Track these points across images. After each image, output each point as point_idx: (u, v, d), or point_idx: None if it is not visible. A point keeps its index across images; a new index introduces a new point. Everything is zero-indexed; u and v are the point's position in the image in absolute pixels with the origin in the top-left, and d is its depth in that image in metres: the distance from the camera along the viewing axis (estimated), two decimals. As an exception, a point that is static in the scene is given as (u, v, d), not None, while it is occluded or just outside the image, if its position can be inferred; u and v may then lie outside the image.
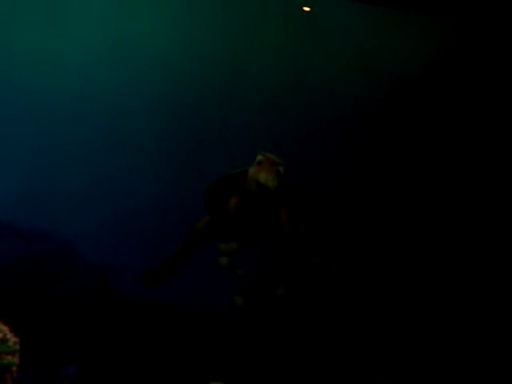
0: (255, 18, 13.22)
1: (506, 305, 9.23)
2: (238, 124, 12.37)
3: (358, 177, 12.02)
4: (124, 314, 11.67)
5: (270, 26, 13.15)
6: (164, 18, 13.46)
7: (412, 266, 10.91)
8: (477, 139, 11.56)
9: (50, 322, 10.80)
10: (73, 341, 10.68)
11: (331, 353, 10.51)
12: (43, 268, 11.70)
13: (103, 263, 12.02)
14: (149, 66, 13.54)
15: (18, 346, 7.28)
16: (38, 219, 12.06)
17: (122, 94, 13.47)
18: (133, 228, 11.92)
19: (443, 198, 11.51)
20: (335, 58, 12.76)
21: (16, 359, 7.20)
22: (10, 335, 7.29)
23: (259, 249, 6.26)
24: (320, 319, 10.77)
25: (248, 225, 5.71)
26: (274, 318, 11.06)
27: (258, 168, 5.33)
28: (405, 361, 9.49)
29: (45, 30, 13.64)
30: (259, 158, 5.40)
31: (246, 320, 11.19)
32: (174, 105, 13.42)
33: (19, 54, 13.47)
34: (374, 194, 11.88)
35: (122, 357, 11.04)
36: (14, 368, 7.15)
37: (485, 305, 9.28)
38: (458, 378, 8.20)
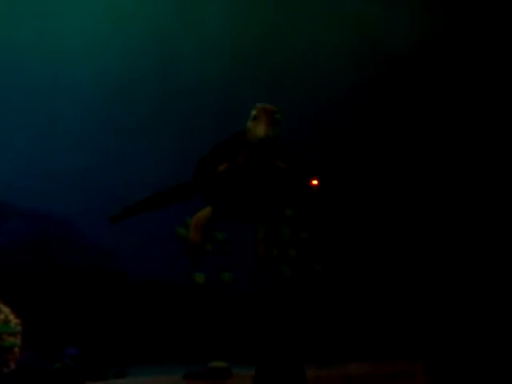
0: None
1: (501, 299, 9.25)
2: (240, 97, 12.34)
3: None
4: (125, 292, 11.70)
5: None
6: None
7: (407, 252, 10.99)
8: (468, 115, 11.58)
9: (51, 303, 10.83)
10: (75, 321, 10.72)
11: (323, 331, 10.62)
12: (44, 248, 11.71)
13: (103, 242, 12.03)
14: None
15: (19, 327, 7.34)
16: (38, 200, 12.06)
17: (122, 79, 13.46)
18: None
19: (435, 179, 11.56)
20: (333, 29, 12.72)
21: (18, 340, 7.26)
22: (11, 316, 7.35)
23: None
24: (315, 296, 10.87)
25: (249, 190, 5.55)
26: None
27: (255, 122, 5.18)
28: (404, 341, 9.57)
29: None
30: (254, 112, 5.25)
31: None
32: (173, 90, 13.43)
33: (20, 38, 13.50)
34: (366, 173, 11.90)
35: (124, 336, 11.09)
36: (17, 349, 7.22)
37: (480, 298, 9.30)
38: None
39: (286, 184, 5.45)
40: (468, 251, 10.68)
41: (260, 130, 5.07)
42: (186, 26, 13.42)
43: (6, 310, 7.35)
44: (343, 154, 12.08)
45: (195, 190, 5.61)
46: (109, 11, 13.69)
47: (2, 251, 11.22)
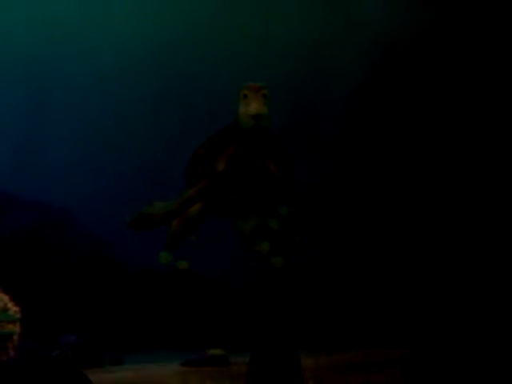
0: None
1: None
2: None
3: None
4: (123, 280, 11.75)
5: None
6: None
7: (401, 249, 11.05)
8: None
9: (50, 291, 10.89)
10: (73, 309, 10.78)
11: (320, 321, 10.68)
12: (43, 237, 11.75)
13: (101, 232, 12.08)
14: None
15: (18, 315, 7.37)
16: (37, 190, 12.10)
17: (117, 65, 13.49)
18: (128, 196, 11.90)
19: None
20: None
21: (17, 328, 7.29)
22: (10, 304, 7.37)
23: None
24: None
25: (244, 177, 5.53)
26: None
27: (246, 101, 5.19)
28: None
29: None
30: (243, 91, 5.27)
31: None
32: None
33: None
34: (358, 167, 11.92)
35: (122, 324, 11.15)
36: (16, 336, 7.25)
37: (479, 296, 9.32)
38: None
39: (274, 187, 5.51)
40: (461, 243, 10.73)
41: (251, 107, 5.14)
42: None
43: (5, 297, 7.38)
44: (340, 149, 12.10)
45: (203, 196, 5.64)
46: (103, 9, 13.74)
47: (2, 240, 11.27)
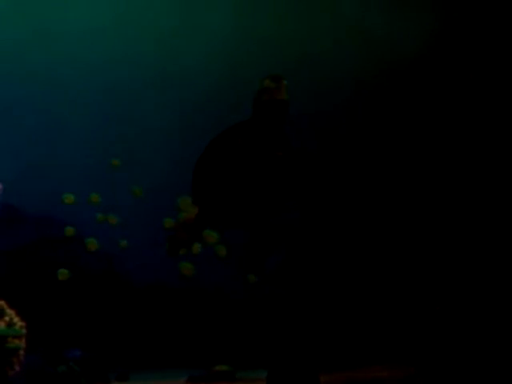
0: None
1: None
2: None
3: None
4: (129, 295, 11.72)
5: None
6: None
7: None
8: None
9: (55, 306, 10.86)
10: (79, 324, 10.74)
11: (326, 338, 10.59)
12: (49, 252, 11.74)
13: (107, 246, 12.06)
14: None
15: (24, 330, 7.36)
16: (43, 203, 12.09)
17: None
18: (137, 214, 11.89)
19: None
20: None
21: (22, 343, 7.28)
22: (16, 319, 7.37)
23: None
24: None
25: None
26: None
27: (269, 91, 5.32)
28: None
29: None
30: (265, 83, 5.38)
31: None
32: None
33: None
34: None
35: (128, 340, 11.10)
36: (21, 351, 7.23)
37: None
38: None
39: (286, 174, 5.48)
40: (453, 254, 10.68)
41: (278, 94, 5.26)
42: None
43: (11, 312, 7.37)
44: (348, 157, 12.09)
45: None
46: (111, 15, 13.76)
47: (7, 254, 11.27)
